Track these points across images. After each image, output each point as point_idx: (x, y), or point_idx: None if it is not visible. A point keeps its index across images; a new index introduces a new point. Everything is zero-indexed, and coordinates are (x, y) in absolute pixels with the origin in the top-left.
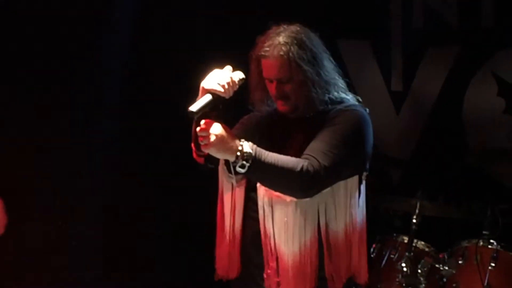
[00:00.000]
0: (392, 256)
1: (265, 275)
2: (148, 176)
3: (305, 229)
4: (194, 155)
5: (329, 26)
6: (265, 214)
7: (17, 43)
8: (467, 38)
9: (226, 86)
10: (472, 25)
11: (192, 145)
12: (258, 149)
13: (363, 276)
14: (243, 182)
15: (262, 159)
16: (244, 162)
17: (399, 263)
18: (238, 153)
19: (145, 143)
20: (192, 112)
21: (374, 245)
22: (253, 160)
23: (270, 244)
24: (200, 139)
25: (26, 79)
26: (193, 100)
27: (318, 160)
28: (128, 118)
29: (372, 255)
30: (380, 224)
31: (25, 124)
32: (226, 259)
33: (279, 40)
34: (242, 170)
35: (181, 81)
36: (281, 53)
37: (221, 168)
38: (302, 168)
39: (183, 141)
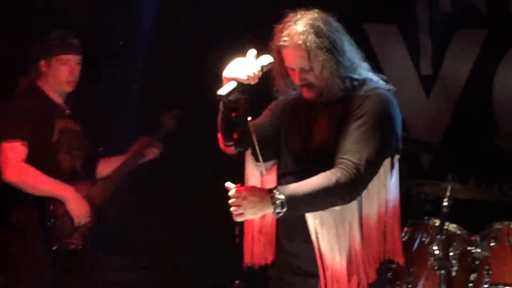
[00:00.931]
0: (423, 239)
1: (321, 283)
2: (176, 167)
3: (353, 223)
4: (221, 145)
5: (356, 10)
6: (312, 218)
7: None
8: (495, 21)
9: (248, 74)
10: (500, 9)
11: (219, 134)
12: (289, 188)
13: (399, 258)
14: (274, 168)
15: (296, 195)
16: (281, 210)
17: (431, 246)
18: (273, 205)
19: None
20: (221, 95)
21: (405, 229)
22: (288, 202)
23: (319, 242)
24: (234, 210)
25: None
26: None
27: (352, 162)
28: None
29: (403, 239)
30: (412, 207)
31: None
32: (256, 246)
33: (296, 29)
34: (281, 215)
35: (204, 70)
36: (299, 42)
37: (248, 156)
38: (337, 180)
39: (210, 131)
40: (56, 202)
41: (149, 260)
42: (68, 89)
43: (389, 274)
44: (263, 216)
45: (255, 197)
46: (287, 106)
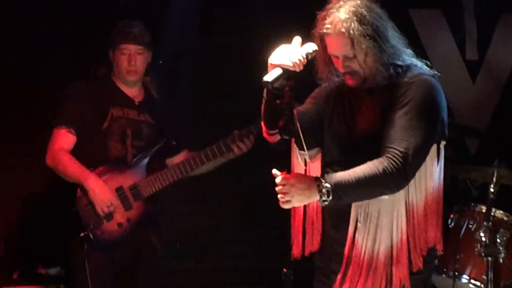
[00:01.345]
0: (470, 226)
1: (343, 266)
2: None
3: (400, 212)
4: (264, 134)
5: None
6: (355, 209)
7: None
8: None
9: (294, 60)
10: None
11: (262, 123)
12: (335, 177)
13: (439, 246)
14: (318, 157)
15: (343, 184)
16: (327, 198)
17: (478, 233)
18: (320, 193)
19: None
20: (267, 82)
21: (452, 216)
22: (334, 191)
23: (357, 230)
24: (280, 196)
25: None
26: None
27: (399, 150)
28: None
29: (450, 226)
30: (458, 194)
31: None
32: (303, 236)
33: (339, 17)
34: (327, 203)
35: (250, 59)
36: (343, 29)
37: (293, 144)
38: (384, 170)
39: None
40: (83, 189)
41: (201, 248)
42: (130, 78)
43: (436, 261)
44: (310, 206)
45: (302, 185)
46: (330, 93)
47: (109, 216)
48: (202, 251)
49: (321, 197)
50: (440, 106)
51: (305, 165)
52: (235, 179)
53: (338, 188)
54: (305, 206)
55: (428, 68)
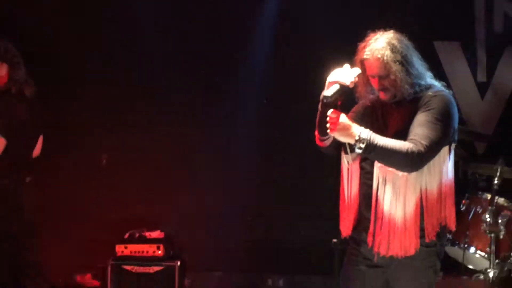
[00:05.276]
0: (478, 210)
1: (369, 233)
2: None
3: (412, 195)
4: (317, 141)
5: (428, 30)
6: (379, 184)
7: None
8: None
9: (349, 78)
10: None
11: (316, 132)
12: (373, 135)
13: (452, 225)
14: (358, 158)
15: (375, 142)
16: (361, 145)
17: (484, 215)
18: (357, 138)
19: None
20: (327, 96)
21: (463, 201)
22: (368, 143)
23: (380, 207)
24: (329, 123)
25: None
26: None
27: (420, 142)
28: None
29: (462, 209)
30: (469, 185)
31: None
32: (348, 219)
33: (376, 46)
34: (360, 151)
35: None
36: (378, 55)
37: (342, 150)
38: (408, 149)
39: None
40: None
41: (269, 220)
42: None
43: (449, 235)
44: (350, 193)
45: (349, 124)
46: (367, 108)
47: None
48: (269, 224)
49: (357, 142)
50: (453, 116)
51: (348, 164)
52: (298, 173)
53: (371, 142)
54: (348, 193)
55: (444, 87)
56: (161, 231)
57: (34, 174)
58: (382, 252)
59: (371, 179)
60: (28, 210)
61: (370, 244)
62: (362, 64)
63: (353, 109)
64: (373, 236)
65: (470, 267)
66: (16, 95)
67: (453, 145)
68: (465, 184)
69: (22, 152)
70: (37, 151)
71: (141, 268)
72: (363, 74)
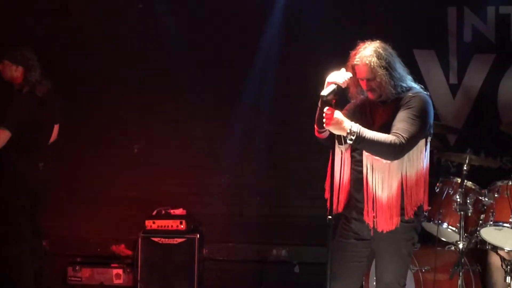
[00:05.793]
0: (449, 191)
1: (365, 213)
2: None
3: (394, 179)
4: (316, 133)
5: (408, 40)
6: (368, 171)
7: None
8: (500, 47)
9: (343, 79)
10: (504, 39)
11: (315, 125)
12: (362, 128)
13: (425, 205)
14: (349, 148)
15: (364, 135)
16: (352, 137)
17: (455, 196)
18: (348, 131)
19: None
20: (324, 95)
21: (438, 184)
22: (357, 135)
23: (370, 190)
24: (325, 118)
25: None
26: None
27: (402, 135)
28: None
29: (436, 191)
30: (442, 170)
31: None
32: (340, 199)
33: (365, 53)
34: (351, 142)
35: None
36: (366, 61)
37: (335, 141)
38: (391, 141)
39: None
40: None
41: (274, 199)
42: None
43: (425, 213)
44: (343, 177)
45: (341, 120)
46: (357, 106)
47: None
48: (275, 203)
49: (348, 134)
50: (429, 114)
51: (341, 153)
52: (300, 160)
53: (360, 135)
54: (340, 178)
55: (423, 89)
56: (184, 208)
57: (46, 161)
58: (372, 227)
59: (361, 166)
60: (41, 193)
61: (366, 221)
62: (353, 69)
63: (346, 107)
64: (368, 214)
65: (443, 239)
66: (26, 94)
67: (429, 138)
68: (439, 170)
69: (32, 142)
70: (53, 137)
71: (167, 240)
72: (354, 77)
